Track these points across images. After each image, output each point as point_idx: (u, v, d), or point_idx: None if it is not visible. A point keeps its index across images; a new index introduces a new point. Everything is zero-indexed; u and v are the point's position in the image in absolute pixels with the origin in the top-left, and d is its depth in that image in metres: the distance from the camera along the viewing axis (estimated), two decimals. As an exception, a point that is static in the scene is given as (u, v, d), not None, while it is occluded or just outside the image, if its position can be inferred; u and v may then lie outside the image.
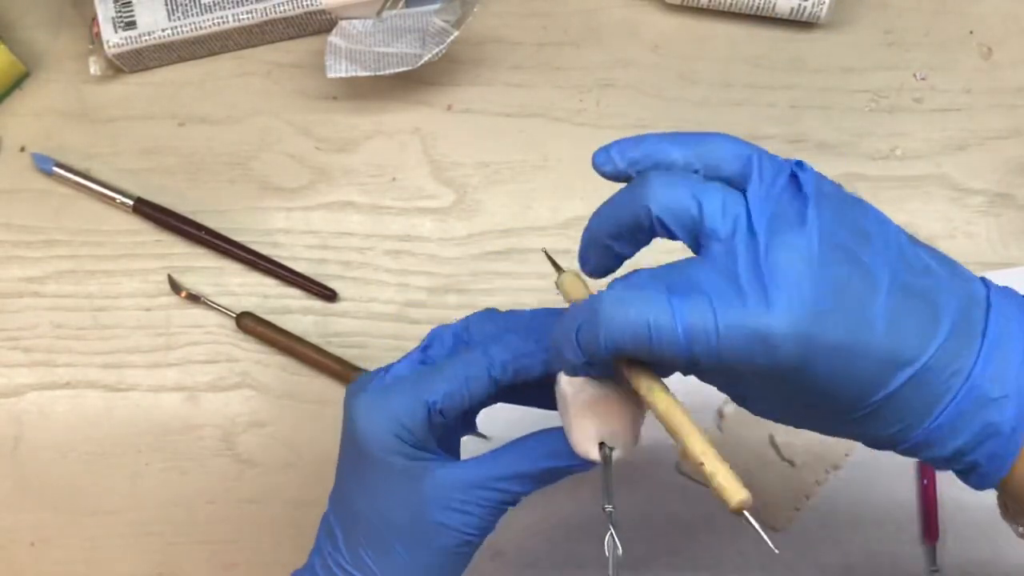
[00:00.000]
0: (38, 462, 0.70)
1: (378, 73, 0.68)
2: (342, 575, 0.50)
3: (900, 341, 0.39)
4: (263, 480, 0.69)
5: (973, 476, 0.43)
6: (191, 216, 0.71)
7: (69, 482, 0.69)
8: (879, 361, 0.39)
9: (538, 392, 0.50)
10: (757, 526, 0.40)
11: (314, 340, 0.70)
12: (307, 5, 0.69)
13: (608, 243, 0.43)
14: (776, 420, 0.45)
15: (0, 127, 0.72)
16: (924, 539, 0.67)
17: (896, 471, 0.68)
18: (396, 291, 0.70)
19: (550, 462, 0.48)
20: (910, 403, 0.40)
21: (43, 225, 0.71)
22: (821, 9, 0.70)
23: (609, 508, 0.45)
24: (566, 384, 0.46)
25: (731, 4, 0.71)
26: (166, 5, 0.69)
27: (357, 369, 0.69)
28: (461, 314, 0.53)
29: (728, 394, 0.45)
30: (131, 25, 0.69)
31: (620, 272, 0.44)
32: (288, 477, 0.69)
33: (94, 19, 0.70)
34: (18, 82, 0.72)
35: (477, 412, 0.53)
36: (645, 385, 0.43)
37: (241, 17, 0.69)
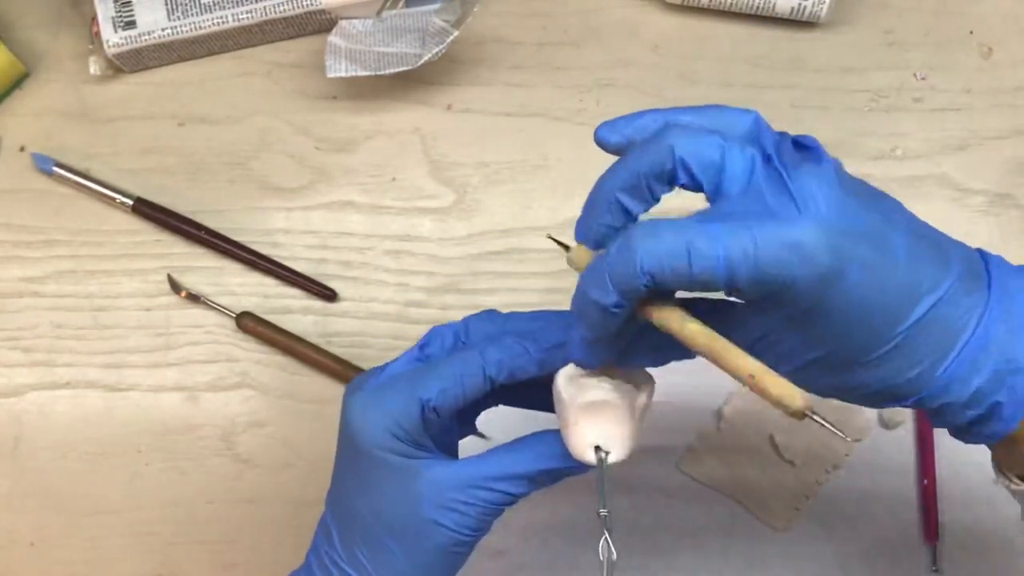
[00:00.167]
0: (38, 462, 0.70)
1: (378, 73, 0.68)
2: (338, 573, 0.50)
3: (920, 271, 0.41)
4: (263, 480, 0.69)
5: (991, 422, 0.43)
6: (191, 216, 0.71)
7: (69, 482, 0.69)
8: (903, 285, 0.40)
9: (538, 394, 0.50)
10: (826, 423, 0.40)
11: (314, 340, 0.70)
12: (307, 5, 0.69)
13: (619, 197, 0.43)
14: (798, 372, 0.43)
15: (0, 127, 0.72)
16: (924, 539, 0.67)
17: (896, 471, 0.68)
18: (396, 291, 0.70)
19: (546, 464, 0.48)
20: (931, 337, 0.41)
21: (43, 225, 0.71)
22: (821, 9, 0.70)
23: (604, 512, 0.45)
24: (564, 387, 0.46)
25: (731, 4, 0.71)
26: (166, 5, 0.69)
27: (357, 369, 0.69)
28: (461, 314, 0.53)
29: (755, 334, 0.44)
30: (131, 25, 0.69)
31: None
32: (288, 477, 0.69)
33: (94, 19, 0.70)
34: (18, 82, 0.72)
35: (477, 413, 0.53)
36: (678, 321, 0.42)
37: (241, 17, 0.69)
